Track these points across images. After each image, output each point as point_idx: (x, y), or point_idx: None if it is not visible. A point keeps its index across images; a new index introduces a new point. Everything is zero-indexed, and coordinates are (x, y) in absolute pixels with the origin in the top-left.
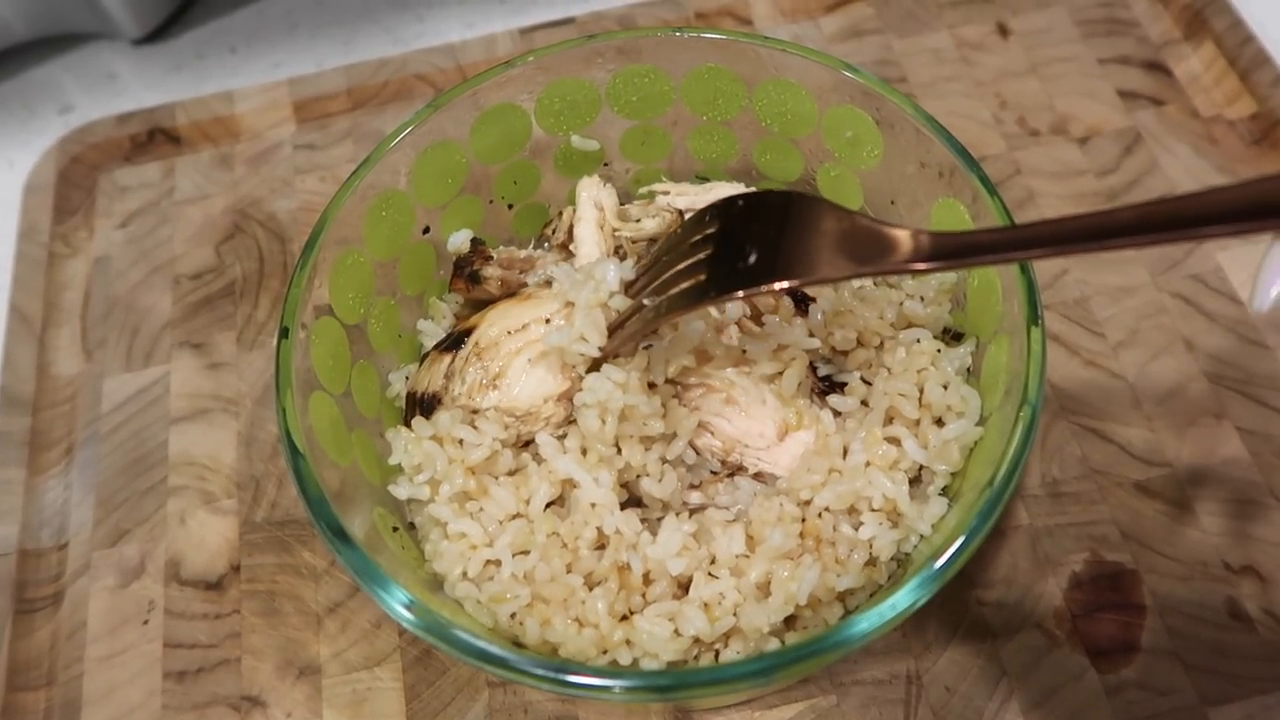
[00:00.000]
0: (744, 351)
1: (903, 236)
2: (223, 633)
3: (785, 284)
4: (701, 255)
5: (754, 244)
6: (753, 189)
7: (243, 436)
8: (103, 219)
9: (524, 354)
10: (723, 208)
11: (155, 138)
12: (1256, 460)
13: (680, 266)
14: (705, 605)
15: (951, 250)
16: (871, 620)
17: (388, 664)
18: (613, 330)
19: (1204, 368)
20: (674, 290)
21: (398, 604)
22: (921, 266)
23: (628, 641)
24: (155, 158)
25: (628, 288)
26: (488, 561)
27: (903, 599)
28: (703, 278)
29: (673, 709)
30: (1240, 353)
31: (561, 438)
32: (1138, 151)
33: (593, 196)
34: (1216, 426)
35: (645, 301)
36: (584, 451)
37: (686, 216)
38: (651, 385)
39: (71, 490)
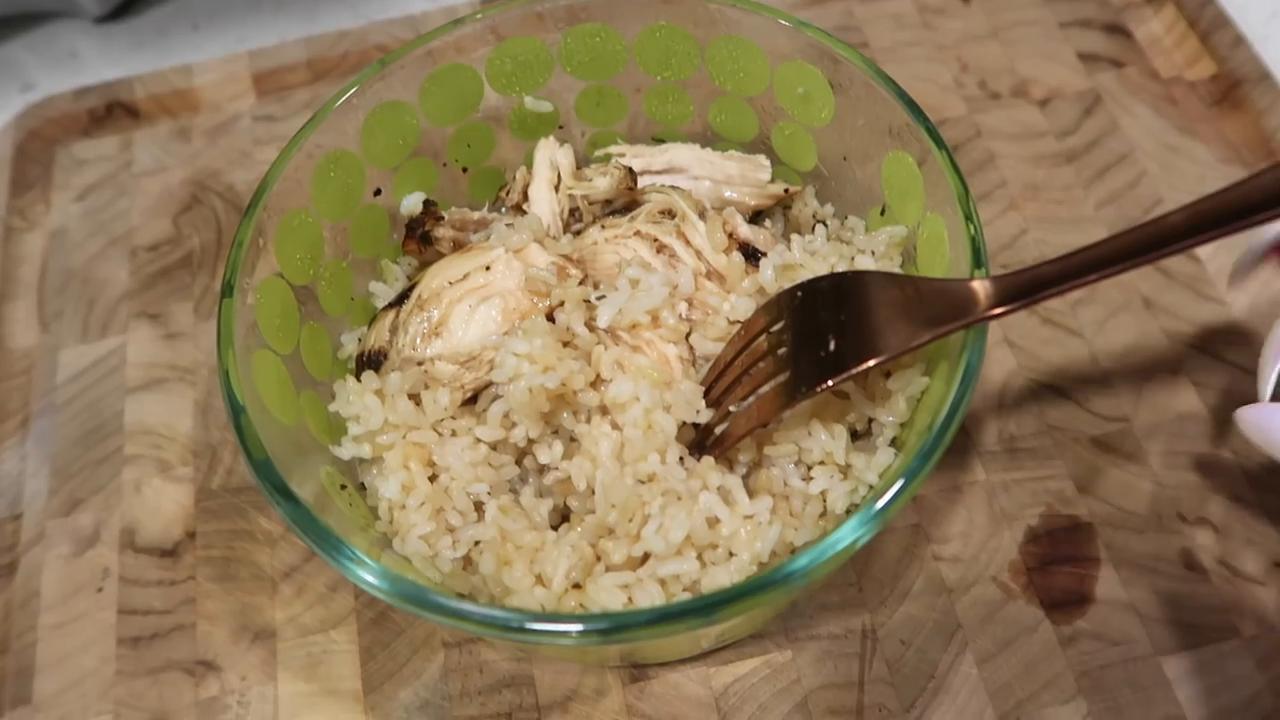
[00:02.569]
0: (688, 335)
1: (967, 290)
2: (177, 599)
3: (872, 362)
4: (779, 352)
5: (829, 331)
6: (798, 287)
7: (199, 405)
8: (60, 192)
9: (465, 301)
10: (784, 302)
11: (113, 112)
12: (1212, 414)
13: (758, 366)
14: (662, 582)
15: (1019, 291)
16: (812, 556)
17: (343, 627)
18: (702, 440)
19: (1161, 324)
20: (763, 390)
21: (346, 559)
22: (995, 313)
23: (581, 606)
24: (113, 131)
25: (705, 395)
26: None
27: (843, 536)
28: (788, 374)
29: (629, 668)
30: (1196, 309)
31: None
32: (1098, 113)
33: (549, 156)
34: (1172, 381)
35: (732, 408)
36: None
37: (643, 177)
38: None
39: (27, 461)
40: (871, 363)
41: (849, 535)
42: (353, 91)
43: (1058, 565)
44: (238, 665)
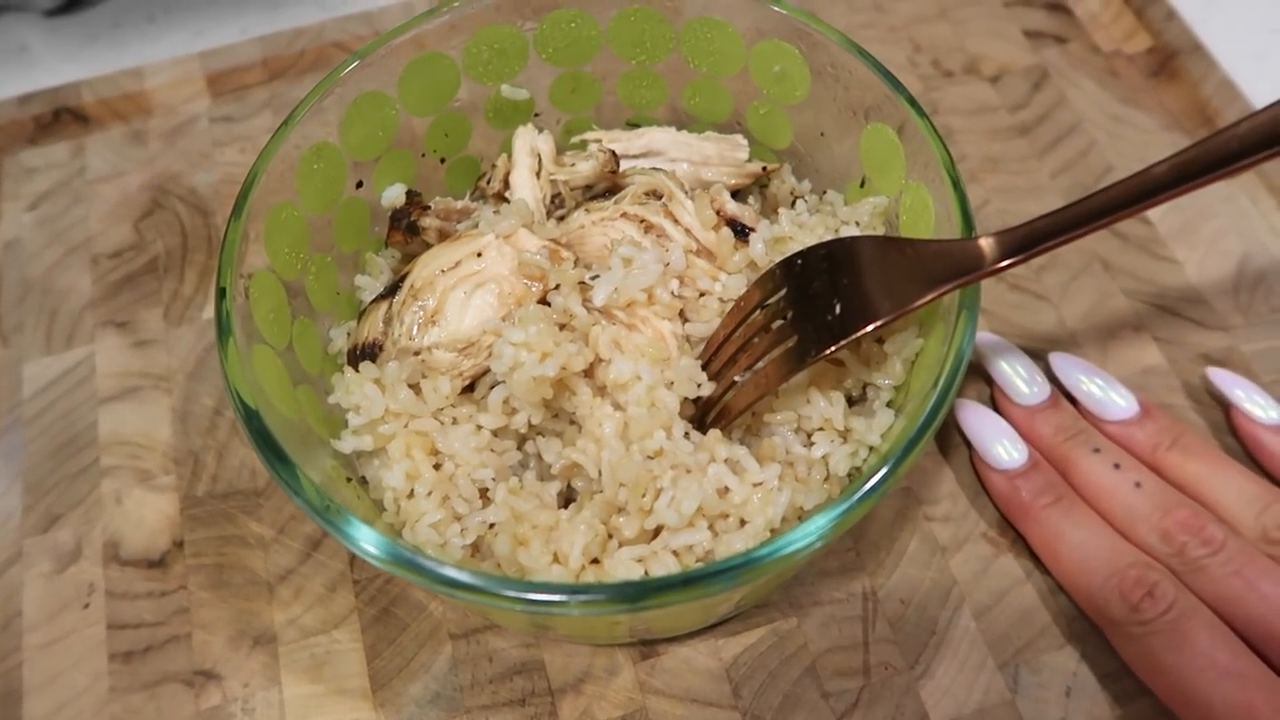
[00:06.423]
0: (682, 314)
1: (969, 248)
2: (170, 609)
3: (883, 320)
4: (779, 322)
5: (833, 295)
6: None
7: (177, 412)
8: (10, 202)
9: (459, 288)
10: (783, 271)
11: (61, 117)
12: (1174, 366)
13: (758, 337)
14: (676, 554)
15: (1018, 245)
16: (822, 521)
17: (345, 625)
18: (705, 414)
19: (1120, 285)
20: (768, 357)
21: (364, 541)
22: (1000, 267)
23: (599, 581)
24: (62, 138)
25: (705, 367)
26: (444, 498)
27: (863, 490)
28: (794, 340)
29: (639, 645)
30: (1152, 269)
31: None
32: (1046, 87)
33: (529, 143)
34: (1135, 338)
35: (737, 379)
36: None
37: (621, 161)
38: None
39: None
40: (882, 321)
41: (868, 490)
42: (335, 83)
43: None
44: (239, 672)
